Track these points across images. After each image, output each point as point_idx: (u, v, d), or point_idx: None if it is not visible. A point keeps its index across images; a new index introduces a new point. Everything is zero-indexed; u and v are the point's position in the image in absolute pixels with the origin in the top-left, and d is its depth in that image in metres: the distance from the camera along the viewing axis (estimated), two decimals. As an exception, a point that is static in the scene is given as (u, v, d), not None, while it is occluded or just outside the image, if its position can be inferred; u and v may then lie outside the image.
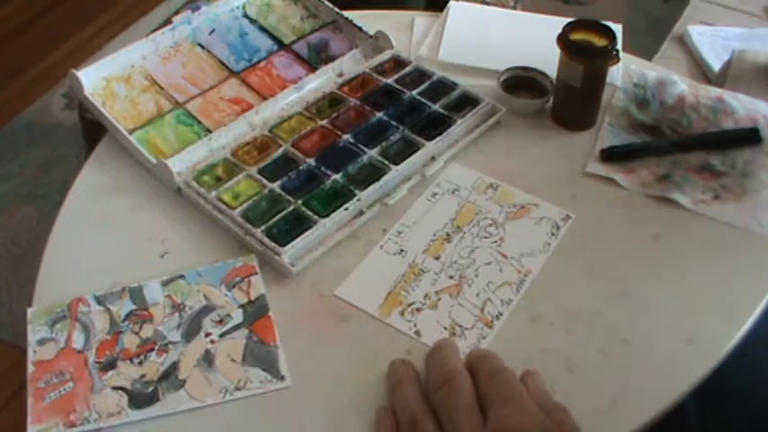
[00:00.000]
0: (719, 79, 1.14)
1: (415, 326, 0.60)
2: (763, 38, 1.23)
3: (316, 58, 0.83)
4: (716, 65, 1.19)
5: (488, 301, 0.61)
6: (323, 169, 0.70)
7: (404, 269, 0.64)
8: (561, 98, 0.77)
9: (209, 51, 0.82)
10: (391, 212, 0.68)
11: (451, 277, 0.63)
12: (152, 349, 0.58)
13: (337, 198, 0.67)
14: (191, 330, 0.60)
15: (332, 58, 0.82)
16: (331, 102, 0.77)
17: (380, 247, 0.66)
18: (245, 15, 0.86)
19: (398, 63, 0.82)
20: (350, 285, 0.63)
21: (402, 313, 0.60)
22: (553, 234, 0.66)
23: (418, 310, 0.61)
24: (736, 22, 1.31)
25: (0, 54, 2.02)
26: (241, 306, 0.61)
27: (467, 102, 0.77)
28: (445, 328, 0.59)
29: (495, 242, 0.66)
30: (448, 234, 0.66)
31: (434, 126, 0.74)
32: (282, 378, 0.56)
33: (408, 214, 0.68)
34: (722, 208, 0.68)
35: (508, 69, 0.80)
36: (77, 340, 0.59)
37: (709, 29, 1.28)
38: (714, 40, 1.23)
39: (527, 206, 0.69)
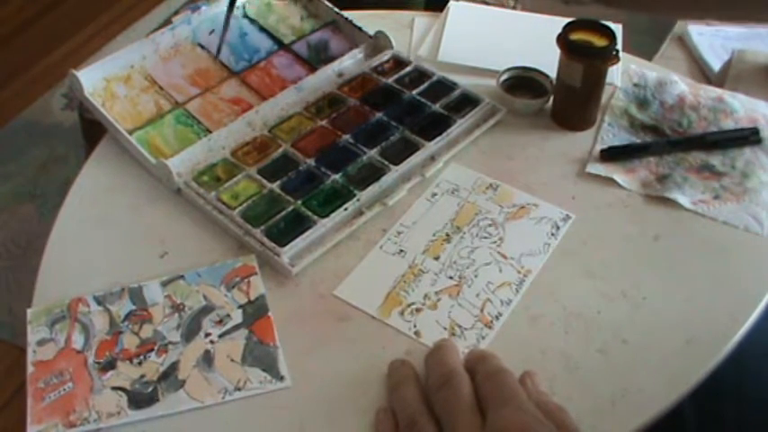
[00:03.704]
0: (719, 79, 1.14)
1: (415, 326, 0.60)
2: (764, 38, 1.23)
3: (315, 58, 0.83)
4: (716, 65, 1.19)
5: (488, 301, 0.61)
6: (322, 169, 0.70)
7: (403, 269, 0.64)
8: (561, 98, 0.77)
9: (208, 51, 0.82)
10: (391, 213, 0.68)
11: (451, 278, 0.63)
12: (152, 349, 0.58)
13: (337, 198, 0.67)
14: (190, 331, 0.60)
15: (332, 59, 0.82)
16: (331, 102, 0.77)
17: (380, 247, 0.65)
18: (245, 15, 0.86)
19: (398, 63, 0.82)
20: (349, 285, 0.63)
21: (402, 313, 0.60)
22: (553, 234, 0.66)
23: (418, 310, 0.61)
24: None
25: (0, 54, 2.02)
26: (241, 306, 0.61)
27: (467, 102, 0.77)
28: (445, 329, 0.59)
29: (495, 242, 0.66)
30: (447, 234, 0.66)
31: (434, 126, 0.73)
32: (282, 378, 0.56)
33: (408, 214, 0.68)
34: (722, 208, 0.68)
35: (508, 69, 0.80)
36: (77, 340, 0.59)
37: (709, 29, 1.28)
38: (714, 40, 1.23)
39: (527, 206, 0.69)
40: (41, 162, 1.74)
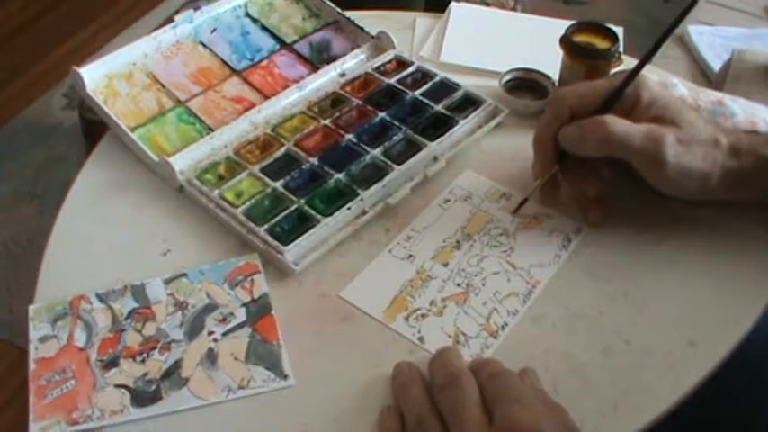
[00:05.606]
0: (719, 79, 1.15)
1: (419, 332, 0.59)
2: (763, 38, 1.23)
3: (318, 58, 0.83)
4: (716, 65, 1.19)
5: (494, 310, 0.61)
6: (325, 168, 0.70)
7: (411, 274, 0.63)
8: (563, 99, 0.77)
9: (210, 50, 0.82)
10: (394, 213, 0.68)
11: (459, 285, 0.62)
12: (154, 347, 0.58)
13: (340, 197, 0.67)
14: (193, 329, 0.59)
15: (334, 58, 0.82)
16: (333, 101, 0.77)
17: (389, 251, 0.65)
18: (247, 14, 0.86)
19: (401, 63, 0.82)
20: (356, 288, 0.62)
21: (407, 319, 0.60)
22: (564, 246, 0.65)
23: (423, 316, 0.60)
24: (736, 22, 1.32)
25: (0, 54, 2.02)
26: (244, 305, 0.61)
27: (469, 102, 0.77)
28: (449, 336, 0.59)
29: (505, 252, 0.65)
30: (458, 241, 0.66)
31: (437, 126, 0.74)
32: (286, 377, 0.56)
33: (419, 219, 0.68)
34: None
35: (510, 71, 0.80)
36: (79, 338, 0.59)
37: (709, 29, 1.28)
38: (714, 40, 1.23)
39: (539, 216, 0.68)
40: (41, 162, 1.74)
